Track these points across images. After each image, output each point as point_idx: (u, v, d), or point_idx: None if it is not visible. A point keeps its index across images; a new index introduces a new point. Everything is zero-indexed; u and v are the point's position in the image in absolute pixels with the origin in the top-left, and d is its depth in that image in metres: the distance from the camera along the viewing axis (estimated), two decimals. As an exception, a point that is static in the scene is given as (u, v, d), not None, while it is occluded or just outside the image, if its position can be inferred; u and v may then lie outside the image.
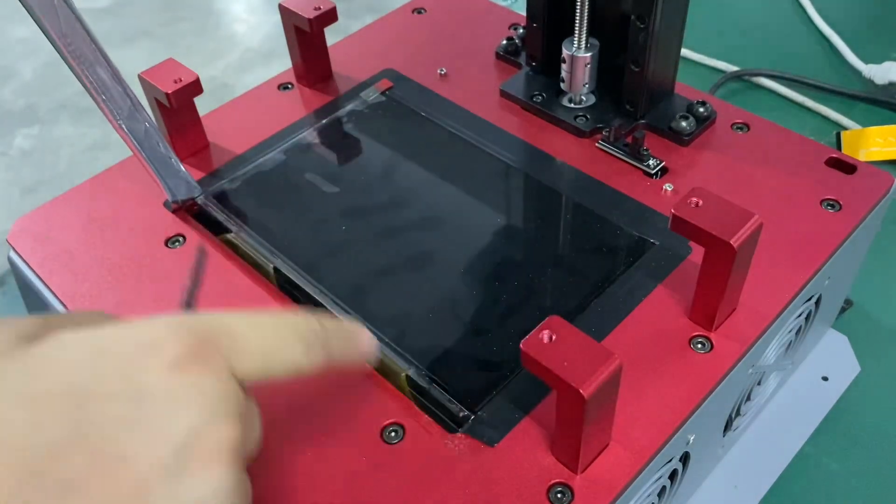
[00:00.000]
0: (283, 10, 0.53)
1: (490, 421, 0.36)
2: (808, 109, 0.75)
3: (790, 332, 0.44)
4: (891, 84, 0.74)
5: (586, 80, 0.50)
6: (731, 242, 0.34)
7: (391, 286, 0.43)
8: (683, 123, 0.48)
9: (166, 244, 0.45)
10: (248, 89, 0.56)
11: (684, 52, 0.76)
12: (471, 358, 0.39)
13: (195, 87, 0.48)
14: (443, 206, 0.47)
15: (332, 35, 0.55)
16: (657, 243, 0.43)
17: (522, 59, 0.55)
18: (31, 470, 0.19)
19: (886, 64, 0.75)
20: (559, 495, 0.33)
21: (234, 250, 0.45)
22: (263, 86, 0.56)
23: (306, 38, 0.54)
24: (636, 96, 0.49)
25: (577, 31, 0.48)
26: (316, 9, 0.52)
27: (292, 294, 0.42)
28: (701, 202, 0.35)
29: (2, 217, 0.81)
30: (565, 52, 0.50)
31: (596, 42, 0.49)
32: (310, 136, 0.52)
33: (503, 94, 0.53)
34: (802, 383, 0.52)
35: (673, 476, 0.39)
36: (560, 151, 0.49)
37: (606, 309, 0.40)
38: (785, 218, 0.44)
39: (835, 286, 0.47)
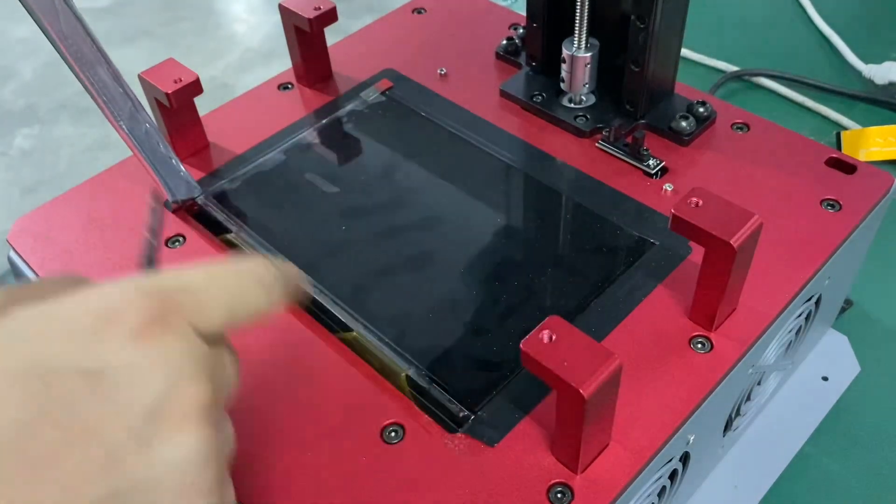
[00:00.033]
0: (283, 10, 0.53)
1: (490, 421, 0.36)
2: (808, 109, 0.75)
3: (790, 332, 0.44)
4: (891, 84, 0.74)
5: (586, 80, 0.50)
6: (731, 242, 0.34)
7: (391, 286, 0.43)
8: (683, 123, 0.48)
9: (166, 244, 0.45)
10: (248, 89, 0.56)
11: (684, 52, 0.76)
12: (471, 358, 0.39)
13: (195, 87, 0.48)
14: (443, 206, 0.47)
15: (332, 35, 0.55)
16: (657, 243, 0.43)
17: (522, 59, 0.55)
18: (2, 450, 0.19)
19: (886, 64, 0.75)
20: (559, 495, 0.33)
21: (235, 250, 0.45)
22: (263, 86, 0.56)
23: (306, 38, 0.54)
24: (636, 96, 0.49)
25: (577, 31, 0.48)
26: (316, 9, 0.52)
27: (292, 294, 0.42)
28: (701, 202, 0.35)
29: (2, 217, 0.81)
30: (565, 52, 0.50)
31: (596, 42, 0.49)
32: (310, 136, 0.52)
33: (503, 94, 0.53)
34: (802, 383, 0.52)
35: (673, 476, 0.39)
36: (560, 151, 0.49)
37: (606, 309, 0.40)
38: (785, 218, 0.44)
39: (835, 286, 0.47)
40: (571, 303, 0.41)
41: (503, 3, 0.79)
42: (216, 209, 0.47)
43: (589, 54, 0.49)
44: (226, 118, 0.53)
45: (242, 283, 0.25)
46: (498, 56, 0.57)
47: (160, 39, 1.02)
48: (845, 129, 0.72)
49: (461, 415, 0.36)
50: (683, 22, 0.48)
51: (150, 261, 0.32)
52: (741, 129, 0.50)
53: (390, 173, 0.50)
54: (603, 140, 0.49)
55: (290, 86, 0.56)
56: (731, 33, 0.85)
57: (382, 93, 0.55)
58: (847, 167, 0.46)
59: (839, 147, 0.70)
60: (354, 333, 0.40)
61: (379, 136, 0.52)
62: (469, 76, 0.55)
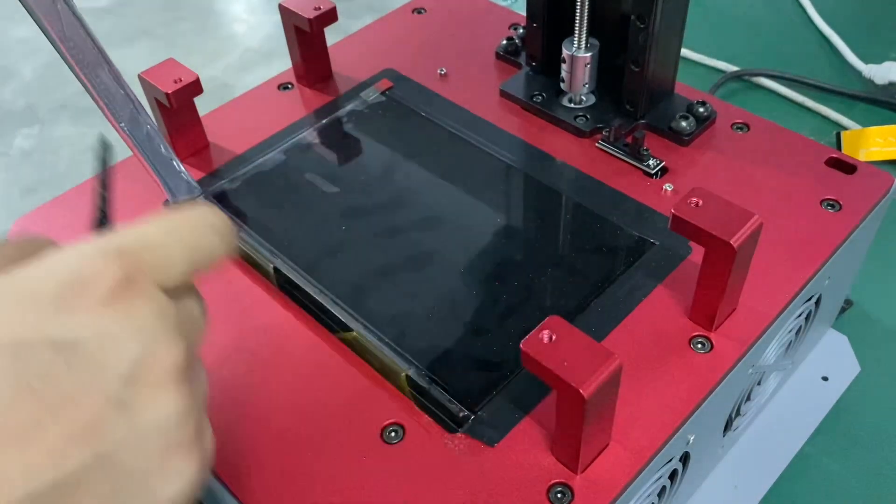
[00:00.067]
0: (283, 10, 0.53)
1: (490, 421, 0.36)
2: (808, 109, 0.75)
3: (790, 332, 0.44)
4: (891, 84, 0.74)
5: (586, 80, 0.50)
6: (731, 242, 0.34)
7: (391, 286, 0.43)
8: (683, 123, 0.48)
9: (166, 244, 0.45)
10: (248, 89, 0.56)
11: (684, 52, 0.76)
12: (471, 358, 0.39)
13: (195, 87, 0.48)
14: (443, 206, 0.47)
15: (332, 35, 0.55)
16: (657, 243, 0.43)
17: (522, 59, 0.55)
18: None
19: (886, 64, 0.75)
20: (559, 495, 0.33)
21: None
22: (263, 86, 0.56)
23: (306, 38, 0.54)
24: (636, 96, 0.49)
25: (577, 31, 0.48)
26: (316, 9, 0.52)
27: (292, 294, 0.42)
28: (701, 202, 0.35)
29: (2, 217, 0.81)
30: (565, 52, 0.50)
31: (596, 42, 0.49)
32: (310, 136, 0.52)
33: (503, 94, 0.53)
34: (802, 383, 0.52)
35: (673, 476, 0.39)
36: (560, 151, 0.49)
37: (606, 309, 0.40)
38: (785, 218, 0.44)
39: (835, 286, 0.47)
40: (571, 303, 0.41)
41: (503, 3, 0.79)
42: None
43: (589, 54, 0.49)
44: (226, 118, 0.53)
45: (199, 231, 0.25)
46: (498, 56, 0.57)
47: (160, 39, 1.02)
48: (845, 129, 0.72)
49: (461, 415, 0.36)
50: (683, 22, 0.48)
51: (102, 218, 0.30)
52: (741, 129, 0.50)
53: (390, 173, 0.50)
54: (603, 140, 0.49)
55: (290, 86, 0.56)
56: (731, 33, 0.85)
57: (382, 93, 0.55)
58: (847, 167, 0.46)
59: (839, 147, 0.70)
60: (354, 333, 0.40)
61: (379, 136, 0.52)
62: (469, 76, 0.55)
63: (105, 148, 0.31)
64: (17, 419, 0.20)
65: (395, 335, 0.40)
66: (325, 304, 0.41)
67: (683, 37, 0.49)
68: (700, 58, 0.80)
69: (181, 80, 0.47)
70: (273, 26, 1.02)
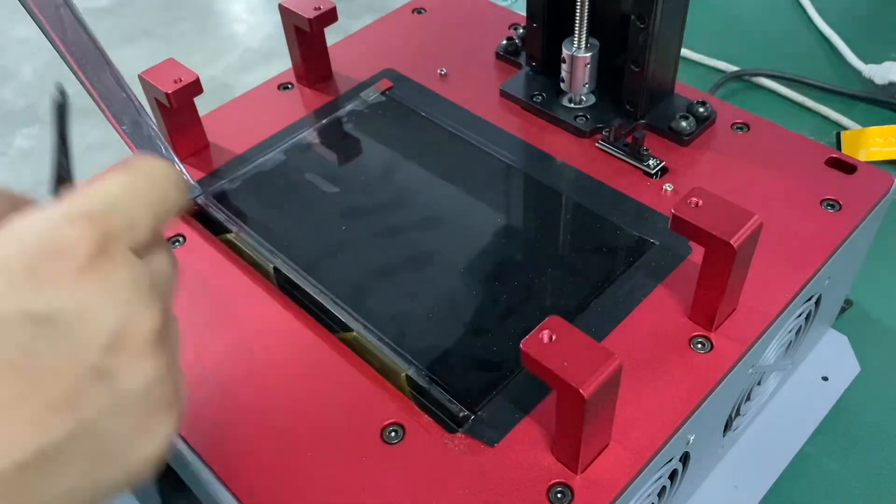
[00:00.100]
0: (283, 10, 0.53)
1: (490, 421, 0.36)
2: (808, 109, 0.75)
3: (790, 332, 0.44)
4: (891, 84, 0.74)
5: (586, 80, 0.50)
6: (731, 242, 0.34)
7: (391, 286, 0.43)
8: (683, 123, 0.48)
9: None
10: (248, 89, 0.56)
11: (684, 52, 0.76)
12: (471, 358, 0.39)
13: (195, 87, 0.48)
14: (443, 206, 0.47)
15: (332, 35, 0.55)
16: (657, 243, 0.43)
17: (522, 59, 0.55)
18: None
19: (886, 64, 0.75)
20: (559, 495, 0.33)
21: (235, 250, 0.45)
22: (263, 86, 0.56)
23: (306, 38, 0.54)
24: (636, 96, 0.49)
25: (577, 31, 0.48)
26: (316, 9, 0.52)
27: (292, 294, 0.42)
28: (701, 202, 0.35)
29: (2, 217, 0.80)
30: (565, 52, 0.50)
31: (596, 42, 0.49)
32: (310, 136, 0.52)
33: (503, 94, 0.53)
34: (802, 383, 0.52)
35: (673, 476, 0.39)
36: (560, 151, 0.49)
37: (606, 309, 0.40)
38: (785, 218, 0.44)
39: (835, 286, 0.47)
40: (571, 303, 0.41)
41: (503, 3, 0.79)
42: (216, 209, 0.47)
43: (589, 54, 0.49)
44: (226, 118, 0.53)
45: (160, 186, 0.25)
46: (498, 56, 0.57)
47: (160, 39, 1.02)
48: (845, 129, 0.72)
49: (461, 415, 0.36)
50: (683, 22, 0.48)
51: (64, 171, 0.28)
52: (741, 129, 0.49)
53: (390, 173, 0.50)
54: (603, 140, 0.49)
55: (290, 86, 0.56)
56: (731, 33, 0.85)
57: (382, 93, 0.55)
58: (847, 167, 0.46)
59: (839, 147, 0.70)
60: (354, 333, 0.40)
61: (379, 136, 0.52)
62: (469, 76, 0.55)
63: (63, 98, 0.28)
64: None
65: (395, 335, 0.39)
66: (325, 304, 0.41)
67: (683, 37, 0.49)
68: (700, 58, 0.80)
69: (181, 80, 0.47)
70: (273, 26, 1.02)
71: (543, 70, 0.54)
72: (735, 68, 0.78)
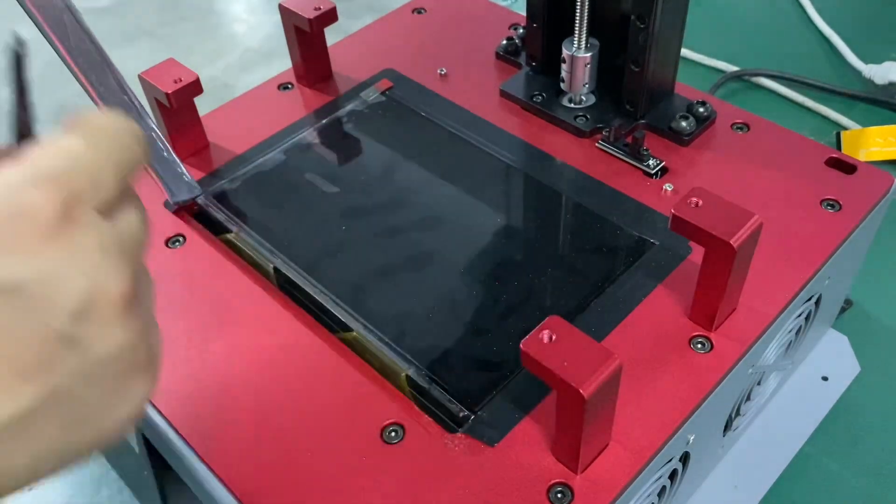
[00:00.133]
0: (283, 10, 0.53)
1: (490, 421, 0.36)
2: (808, 109, 0.75)
3: (790, 332, 0.44)
4: (891, 84, 0.74)
5: (586, 80, 0.50)
6: (731, 242, 0.34)
7: (391, 286, 0.43)
8: (683, 123, 0.48)
9: (166, 244, 0.45)
10: (248, 89, 0.56)
11: (684, 52, 0.76)
12: (471, 358, 0.39)
13: (195, 87, 0.48)
14: (443, 206, 0.47)
15: (332, 35, 0.55)
16: (657, 243, 0.43)
17: (522, 59, 0.55)
18: None
19: (886, 64, 0.75)
20: (559, 495, 0.33)
21: (235, 250, 0.45)
22: (263, 86, 0.56)
23: (306, 38, 0.54)
24: (636, 96, 0.49)
25: (577, 31, 0.48)
26: (316, 9, 0.52)
27: (292, 294, 0.42)
28: (701, 202, 0.35)
29: (2, 217, 0.80)
30: (565, 52, 0.50)
31: (596, 42, 0.49)
32: (310, 136, 0.52)
33: (503, 94, 0.53)
34: (802, 383, 0.52)
35: (673, 476, 0.39)
36: (560, 151, 0.49)
37: (606, 309, 0.40)
38: (785, 218, 0.44)
39: (835, 286, 0.47)
40: (571, 303, 0.41)
41: (503, 3, 0.79)
42: (216, 209, 0.47)
43: (589, 54, 0.49)
44: (226, 118, 0.53)
45: (122, 141, 0.24)
46: (498, 56, 0.57)
47: (160, 39, 1.02)
48: (845, 129, 0.72)
49: (461, 415, 0.36)
50: (683, 22, 0.48)
51: (24, 127, 0.26)
52: (741, 129, 0.49)
53: (390, 173, 0.50)
54: (603, 140, 0.49)
55: (290, 86, 0.56)
56: (731, 33, 0.85)
57: (382, 93, 0.55)
58: (847, 167, 0.46)
59: (839, 147, 0.70)
60: (354, 333, 0.40)
61: (379, 136, 0.52)
62: (469, 76, 0.55)
63: (21, 48, 0.26)
64: None
65: (395, 335, 0.39)
66: (325, 304, 0.41)
67: (683, 37, 0.49)
68: (700, 58, 0.80)
69: (181, 80, 0.47)
70: (273, 26, 1.02)
71: (543, 70, 0.54)
72: (735, 68, 0.78)
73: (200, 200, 0.47)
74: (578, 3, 0.47)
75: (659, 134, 0.49)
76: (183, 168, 0.46)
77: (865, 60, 0.77)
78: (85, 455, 0.23)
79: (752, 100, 0.76)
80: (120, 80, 0.41)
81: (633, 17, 0.46)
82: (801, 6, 0.87)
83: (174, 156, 0.45)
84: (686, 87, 0.52)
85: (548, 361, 0.30)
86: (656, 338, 0.38)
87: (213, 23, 1.05)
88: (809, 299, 0.44)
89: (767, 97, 0.76)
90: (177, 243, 0.45)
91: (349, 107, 0.54)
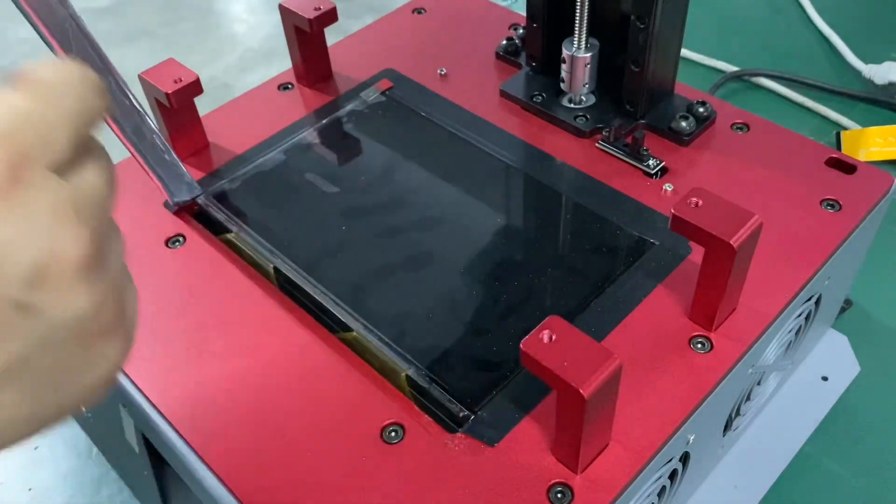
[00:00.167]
0: (283, 10, 0.53)
1: (490, 421, 0.36)
2: (808, 109, 0.75)
3: (790, 332, 0.44)
4: (891, 84, 0.74)
5: (586, 80, 0.50)
6: (731, 242, 0.34)
7: (391, 286, 0.43)
8: (683, 123, 0.48)
9: (166, 244, 0.45)
10: (248, 89, 0.56)
11: (684, 52, 0.76)
12: (471, 358, 0.39)
13: (195, 87, 0.48)
14: (443, 206, 0.47)
15: (332, 35, 0.55)
16: (657, 243, 0.43)
17: (522, 59, 0.55)
18: None
19: (886, 64, 0.75)
20: (559, 495, 0.33)
21: (235, 250, 0.45)
22: (263, 86, 0.56)
23: (306, 38, 0.54)
24: (636, 96, 0.49)
25: (577, 31, 0.48)
26: (316, 9, 0.52)
27: (292, 294, 0.42)
28: (701, 202, 0.35)
29: (2, 217, 0.80)
30: (565, 52, 0.50)
31: (596, 42, 0.49)
32: (310, 136, 0.52)
33: (503, 94, 0.53)
34: (802, 383, 0.52)
35: (673, 476, 0.39)
36: (560, 151, 0.49)
37: (606, 309, 0.40)
38: (785, 218, 0.44)
39: (835, 286, 0.47)
40: (571, 303, 0.41)
41: (503, 3, 0.79)
42: (216, 209, 0.47)
43: (589, 54, 0.49)
44: (226, 118, 0.53)
45: (76, 91, 0.22)
46: (498, 56, 0.57)
47: (160, 39, 1.02)
48: (845, 129, 0.72)
49: (461, 415, 0.36)
50: (683, 22, 0.48)
51: None
52: (741, 129, 0.49)
53: (390, 173, 0.50)
54: (603, 140, 0.49)
55: (290, 86, 0.56)
56: (731, 33, 0.85)
57: (382, 93, 0.55)
58: (847, 167, 0.46)
59: (839, 147, 0.70)
60: (354, 333, 0.40)
61: (379, 136, 0.52)
62: (469, 76, 0.55)
63: None
64: None
65: (395, 335, 0.39)
66: (325, 304, 0.41)
67: (683, 37, 0.49)
68: (700, 58, 0.80)
69: (181, 80, 0.47)
70: (273, 26, 1.02)
71: (543, 70, 0.54)
72: (735, 68, 0.78)
73: (200, 200, 0.47)
74: (578, 3, 0.47)
75: (659, 134, 0.49)
76: (183, 168, 0.46)
77: (865, 60, 0.77)
78: (57, 420, 0.22)
79: (752, 100, 0.76)
80: (121, 84, 0.41)
81: (633, 17, 0.46)
82: (801, 6, 0.87)
83: (175, 157, 0.45)
84: (686, 87, 0.52)
85: (548, 361, 0.30)
86: (656, 338, 0.38)
87: (213, 23, 1.05)
88: (809, 299, 0.44)
89: (767, 97, 0.76)
90: (177, 243, 0.45)
91: (349, 107, 0.54)
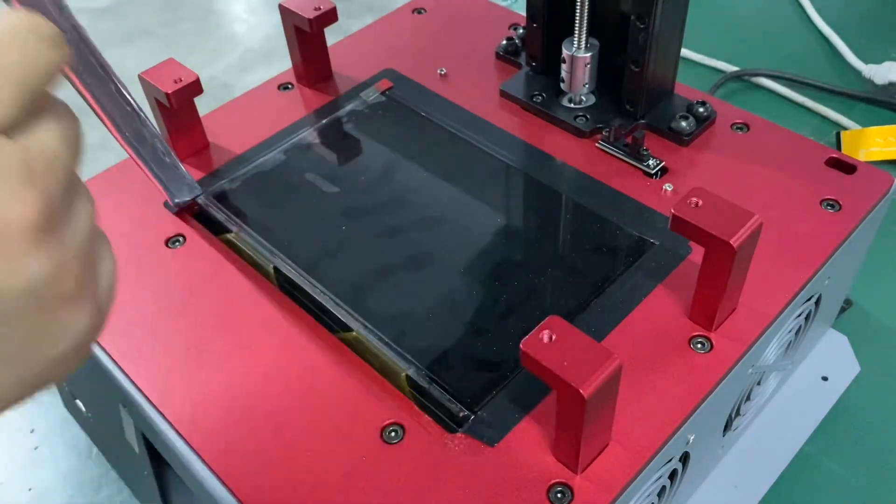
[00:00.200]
0: (283, 10, 0.53)
1: (490, 421, 0.36)
2: (808, 109, 0.75)
3: (790, 332, 0.44)
4: (891, 84, 0.74)
5: (586, 80, 0.50)
6: (731, 242, 0.34)
7: (391, 286, 0.43)
8: (683, 123, 0.48)
9: (166, 244, 0.45)
10: (248, 89, 0.56)
11: (684, 52, 0.76)
12: (471, 358, 0.39)
13: (195, 87, 0.48)
14: (443, 206, 0.47)
15: (332, 35, 0.55)
16: (657, 243, 0.43)
17: (522, 59, 0.55)
18: None
19: (886, 64, 0.75)
20: (559, 495, 0.33)
21: (235, 250, 0.45)
22: (263, 86, 0.56)
23: (306, 38, 0.54)
24: (636, 96, 0.49)
25: (577, 31, 0.48)
26: (316, 9, 0.52)
27: (292, 294, 0.42)
28: (701, 202, 0.35)
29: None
30: (565, 52, 0.50)
31: (596, 42, 0.49)
32: (310, 136, 0.52)
33: (503, 94, 0.53)
34: (802, 383, 0.52)
35: (673, 476, 0.39)
36: (560, 151, 0.49)
37: (606, 309, 0.40)
38: (785, 218, 0.44)
39: (835, 286, 0.47)
40: (571, 303, 0.41)
41: (503, 3, 0.79)
42: (216, 209, 0.47)
43: (589, 54, 0.49)
44: (226, 118, 0.53)
45: (25, 46, 0.20)
46: (498, 56, 0.57)
47: (160, 39, 1.02)
48: (845, 129, 0.72)
49: (461, 415, 0.36)
50: (683, 22, 0.48)
51: None
52: (741, 129, 0.49)
53: (390, 173, 0.50)
54: (603, 140, 0.49)
55: (290, 86, 0.56)
56: (731, 33, 0.85)
57: (382, 93, 0.55)
58: (847, 167, 0.46)
59: (839, 147, 0.70)
60: (354, 333, 0.40)
61: (379, 136, 0.52)
62: (469, 76, 0.55)
63: None
64: None
65: (395, 335, 0.39)
66: (325, 304, 0.41)
67: (683, 37, 0.49)
68: (700, 58, 0.80)
69: (181, 80, 0.47)
70: (273, 26, 1.02)
71: (543, 70, 0.54)
72: (735, 68, 0.78)
73: (200, 200, 0.47)
74: (578, 3, 0.47)
75: (659, 134, 0.49)
76: (184, 170, 0.46)
77: (865, 60, 0.77)
78: (20, 397, 0.21)
79: (752, 100, 0.76)
80: (121, 90, 0.41)
81: (632, 17, 0.46)
82: (801, 6, 0.87)
83: (175, 159, 0.45)
84: (686, 87, 0.52)
85: (548, 361, 0.30)
86: (656, 338, 0.38)
87: (213, 23, 1.05)
88: (809, 299, 0.44)
89: (767, 97, 0.76)
90: (177, 243, 0.45)
91: (349, 107, 0.54)
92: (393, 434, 0.36)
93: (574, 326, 0.31)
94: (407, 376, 0.38)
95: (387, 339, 0.39)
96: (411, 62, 0.57)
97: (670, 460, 0.37)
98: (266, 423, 0.36)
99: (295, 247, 0.45)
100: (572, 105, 0.51)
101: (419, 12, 0.62)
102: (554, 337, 0.31)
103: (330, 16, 0.52)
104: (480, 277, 0.43)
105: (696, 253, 0.41)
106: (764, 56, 0.80)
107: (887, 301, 0.59)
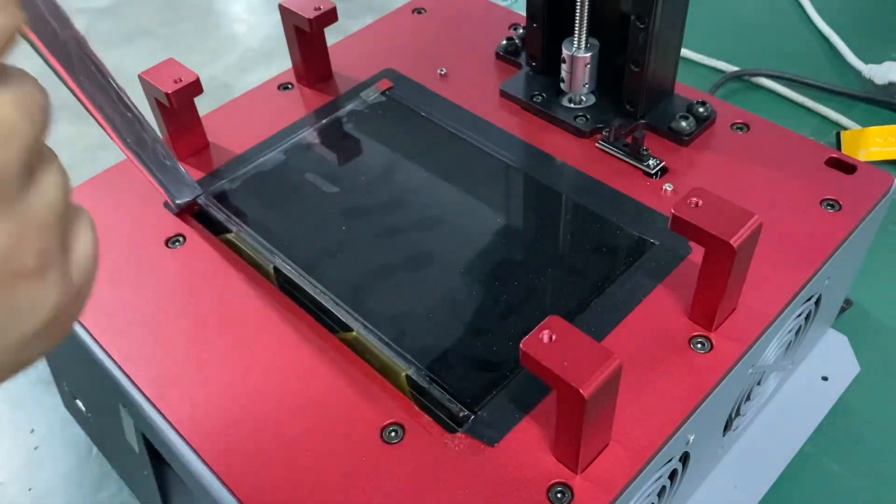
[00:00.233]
0: (283, 10, 0.53)
1: (490, 421, 0.36)
2: (808, 109, 0.75)
3: (790, 332, 0.44)
4: (891, 84, 0.74)
5: (586, 80, 0.50)
6: (731, 242, 0.34)
7: (391, 286, 0.43)
8: (683, 123, 0.48)
9: (166, 244, 0.45)
10: (248, 89, 0.56)
11: (684, 52, 0.76)
12: (471, 358, 0.39)
13: (195, 87, 0.48)
14: (443, 206, 0.47)
15: (332, 35, 0.55)
16: (657, 243, 0.43)
17: (522, 59, 0.55)
18: None
19: (886, 64, 0.75)
20: (559, 495, 0.33)
21: (235, 250, 0.45)
22: (263, 86, 0.56)
23: (306, 38, 0.54)
24: (636, 96, 0.49)
25: (577, 31, 0.48)
26: (316, 9, 0.52)
27: (292, 294, 0.42)
28: (701, 202, 0.35)
29: (2, 217, 0.80)
30: (565, 52, 0.50)
31: (596, 42, 0.49)
32: (310, 136, 0.52)
33: (503, 94, 0.53)
34: (802, 383, 0.52)
35: (673, 476, 0.39)
36: (560, 151, 0.49)
37: (606, 309, 0.40)
38: (785, 218, 0.44)
39: (835, 286, 0.47)
40: (571, 303, 0.41)
41: (503, 3, 0.79)
42: (216, 209, 0.47)
43: (589, 54, 0.49)
44: (226, 118, 0.53)
45: None
46: (498, 56, 0.57)
47: (160, 39, 1.02)
48: (845, 129, 0.72)
49: (461, 415, 0.36)
50: (683, 22, 0.48)
51: None
52: (741, 129, 0.49)
53: (390, 173, 0.50)
54: (603, 140, 0.49)
55: (290, 86, 0.56)
56: (731, 33, 0.85)
57: (382, 93, 0.55)
58: (847, 167, 0.46)
59: (839, 147, 0.70)
60: (354, 333, 0.40)
61: (379, 136, 0.52)
62: (469, 76, 0.55)
63: None
64: None
65: (395, 335, 0.39)
66: (325, 304, 0.41)
67: (683, 37, 0.49)
68: (700, 58, 0.80)
69: (181, 80, 0.47)
70: (273, 26, 1.02)
71: (543, 70, 0.54)
72: (735, 68, 0.78)
73: (200, 200, 0.47)
74: (578, 3, 0.47)
75: (659, 134, 0.49)
76: (184, 171, 0.46)
77: (865, 60, 0.77)
78: None
79: (752, 100, 0.76)
80: (121, 96, 0.41)
81: (632, 17, 0.46)
82: (801, 6, 0.87)
83: (175, 161, 0.45)
84: (686, 87, 0.52)
85: (548, 361, 0.30)
86: (656, 338, 0.39)
87: (213, 23, 1.05)
88: (809, 299, 0.44)
89: (767, 97, 0.76)
90: (177, 243, 0.45)
91: (349, 107, 0.54)
92: (393, 434, 0.36)
93: (574, 326, 0.31)
94: (407, 376, 0.38)
95: (387, 339, 0.39)
96: (411, 62, 0.57)
97: (670, 460, 0.37)
98: (266, 423, 0.36)
99: (295, 247, 0.45)
100: (572, 105, 0.51)
101: (419, 12, 0.62)
102: (554, 337, 0.31)
103: (330, 16, 0.52)
104: (480, 277, 0.43)
105: (696, 253, 0.41)
106: (764, 56, 0.80)
107: (887, 301, 0.59)
